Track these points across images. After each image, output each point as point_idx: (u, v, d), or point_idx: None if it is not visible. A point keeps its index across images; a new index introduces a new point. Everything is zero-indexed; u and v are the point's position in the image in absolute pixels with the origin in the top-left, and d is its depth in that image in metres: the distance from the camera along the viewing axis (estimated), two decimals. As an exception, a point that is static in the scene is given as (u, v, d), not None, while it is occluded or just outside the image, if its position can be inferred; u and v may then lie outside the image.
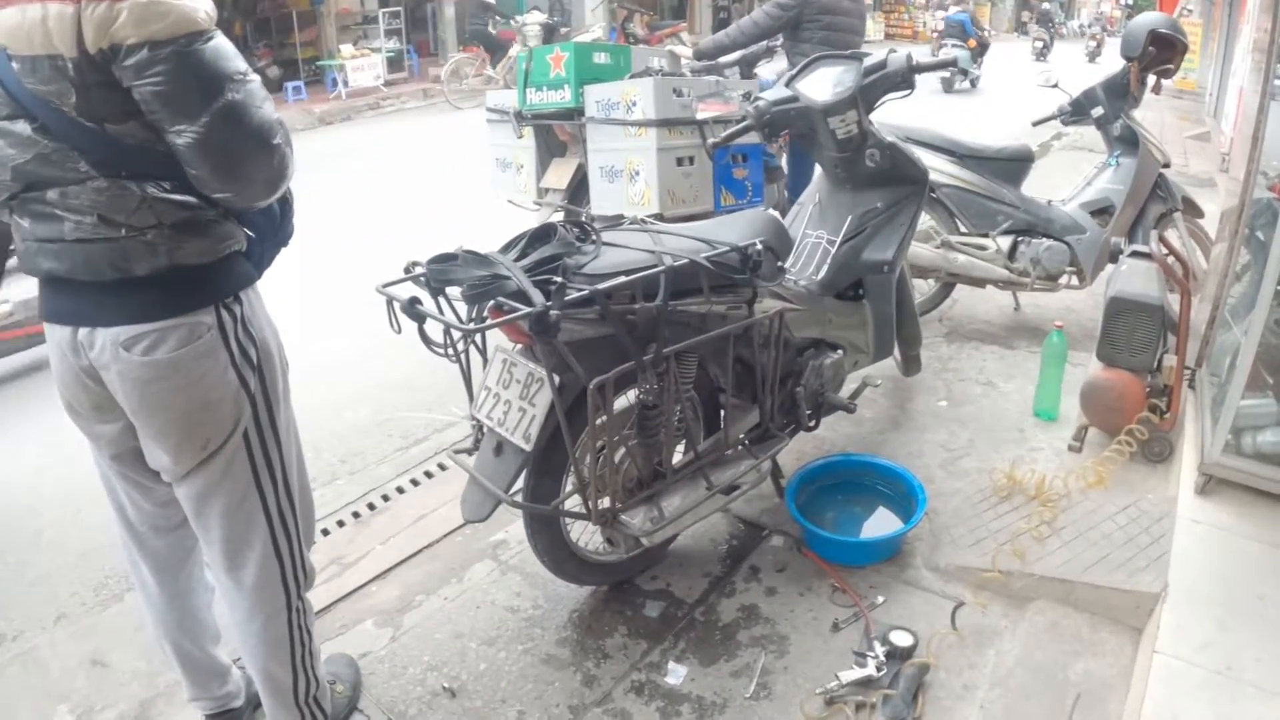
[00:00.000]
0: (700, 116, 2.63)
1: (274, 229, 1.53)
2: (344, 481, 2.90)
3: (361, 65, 12.27)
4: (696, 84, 3.14)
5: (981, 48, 12.51)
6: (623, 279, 1.74)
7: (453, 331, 1.72)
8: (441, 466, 2.93)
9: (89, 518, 2.68)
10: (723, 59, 3.92)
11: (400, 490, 2.83)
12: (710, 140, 2.54)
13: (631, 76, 3.22)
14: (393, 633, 2.13)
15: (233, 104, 1.26)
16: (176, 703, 1.95)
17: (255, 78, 1.32)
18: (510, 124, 3.63)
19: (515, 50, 10.62)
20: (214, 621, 1.78)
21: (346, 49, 12.56)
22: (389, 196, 6.80)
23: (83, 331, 1.37)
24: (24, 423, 3.34)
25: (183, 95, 1.23)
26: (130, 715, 1.96)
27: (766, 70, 4.40)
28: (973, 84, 12.11)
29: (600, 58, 3.36)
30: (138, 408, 1.40)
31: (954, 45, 12.18)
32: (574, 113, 3.36)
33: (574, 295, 1.65)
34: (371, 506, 2.73)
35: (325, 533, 2.56)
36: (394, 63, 13.42)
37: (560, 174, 3.63)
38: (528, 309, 1.58)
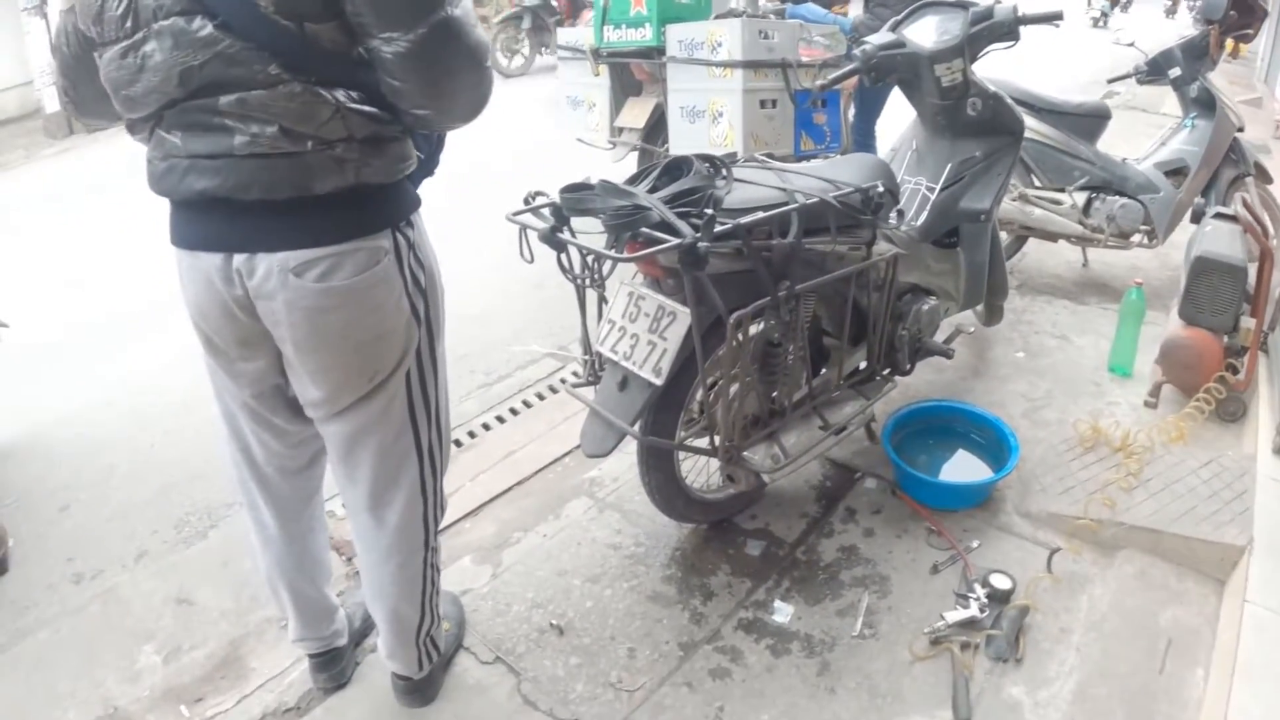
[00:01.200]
0: (805, 60, 2.58)
1: (432, 155, 1.48)
2: (429, 416, 2.89)
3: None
4: (781, 27, 3.08)
5: None
6: (762, 214, 1.73)
7: (592, 261, 1.70)
8: (526, 404, 2.94)
9: (163, 453, 2.66)
10: None
11: (486, 427, 2.82)
12: (819, 82, 2.50)
13: (717, 17, 3.17)
14: (492, 570, 2.11)
15: (452, 19, 1.16)
16: (267, 640, 1.94)
17: None
18: (584, 61, 3.57)
19: None
20: (329, 560, 1.74)
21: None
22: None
23: (239, 258, 1.23)
24: (88, 357, 3.32)
25: (399, 2, 1.13)
26: (220, 655, 1.93)
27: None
28: (1106, 23, 15.02)
29: (682, -3, 3.28)
30: (304, 339, 1.29)
31: None
32: (654, 51, 3.30)
33: (719, 229, 1.64)
34: (458, 443, 2.72)
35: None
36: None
37: (637, 113, 3.58)
38: (678, 240, 1.57)
